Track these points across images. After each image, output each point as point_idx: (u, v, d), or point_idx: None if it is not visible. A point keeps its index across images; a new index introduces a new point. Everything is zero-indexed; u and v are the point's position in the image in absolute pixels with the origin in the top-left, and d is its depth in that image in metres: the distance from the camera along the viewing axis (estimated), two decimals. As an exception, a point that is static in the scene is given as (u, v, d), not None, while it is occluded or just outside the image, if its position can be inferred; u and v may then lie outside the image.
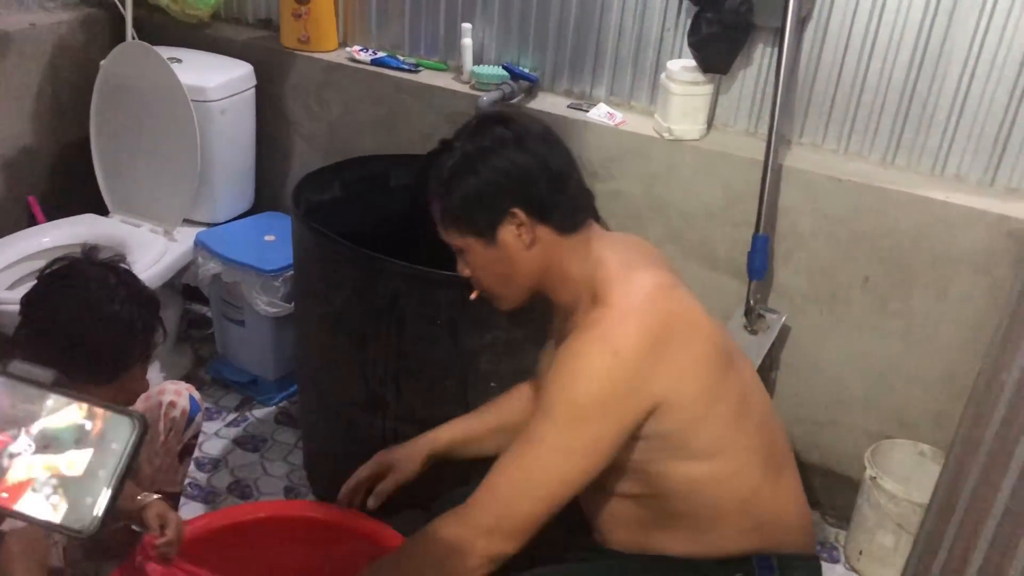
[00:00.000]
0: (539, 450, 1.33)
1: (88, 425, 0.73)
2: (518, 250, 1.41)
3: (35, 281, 1.65)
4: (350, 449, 2.20)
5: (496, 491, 1.35)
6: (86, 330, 1.56)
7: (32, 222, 2.65)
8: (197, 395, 1.95)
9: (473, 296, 1.53)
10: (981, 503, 1.13)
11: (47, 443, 0.72)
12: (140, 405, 1.86)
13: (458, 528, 1.36)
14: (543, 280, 1.45)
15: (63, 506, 0.71)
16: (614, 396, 1.31)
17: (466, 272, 1.49)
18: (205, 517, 1.95)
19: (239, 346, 2.63)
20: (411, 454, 1.70)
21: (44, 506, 0.71)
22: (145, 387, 1.71)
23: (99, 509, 0.70)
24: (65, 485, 0.71)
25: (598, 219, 1.51)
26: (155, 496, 1.74)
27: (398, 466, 1.70)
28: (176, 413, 1.89)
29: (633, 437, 1.35)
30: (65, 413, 0.73)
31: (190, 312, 2.90)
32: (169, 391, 1.90)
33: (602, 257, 1.43)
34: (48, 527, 0.70)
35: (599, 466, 1.33)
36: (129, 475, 0.72)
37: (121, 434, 0.72)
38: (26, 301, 1.61)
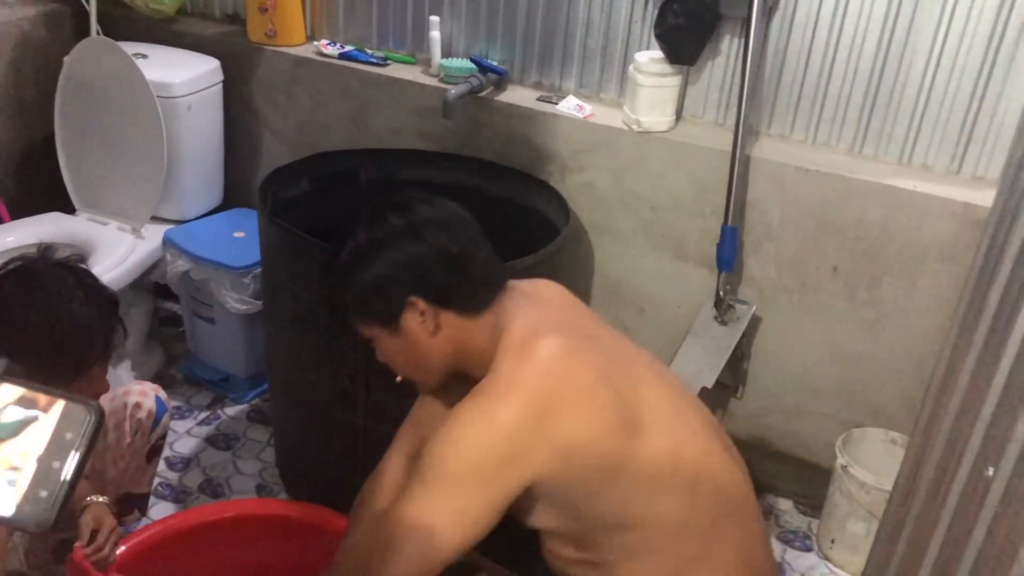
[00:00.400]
0: (411, 513, 1.28)
1: (42, 415, 0.70)
2: (424, 337, 1.41)
3: None
4: (322, 446, 2.19)
5: (367, 552, 1.33)
6: (43, 332, 1.54)
7: (-3, 221, 2.62)
8: (163, 395, 1.93)
9: (399, 379, 1.51)
10: (939, 489, 1.13)
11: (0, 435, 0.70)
12: (105, 406, 1.84)
13: None
14: (456, 360, 1.43)
15: (16, 500, 0.68)
16: (485, 466, 1.27)
17: (381, 359, 1.48)
18: (175, 517, 1.94)
19: (210, 344, 2.61)
20: None
21: None
22: (105, 388, 1.68)
23: (54, 502, 0.68)
24: (18, 477, 0.69)
25: (500, 285, 1.46)
26: (100, 499, 1.71)
27: None
28: (142, 414, 1.87)
29: (540, 503, 1.33)
30: (18, 403, 0.71)
31: (161, 310, 2.88)
32: (134, 392, 1.88)
33: (508, 326, 1.39)
34: (1, 522, 0.68)
35: (472, 534, 1.27)
36: (85, 467, 0.70)
37: (76, 424, 0.70)
38: None
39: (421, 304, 1.39)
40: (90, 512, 1.67)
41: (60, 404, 0.71)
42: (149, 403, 1.87)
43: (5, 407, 0.71)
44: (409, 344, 1.42)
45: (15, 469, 0.69)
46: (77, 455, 0.69)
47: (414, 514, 1.27)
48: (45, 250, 1.67)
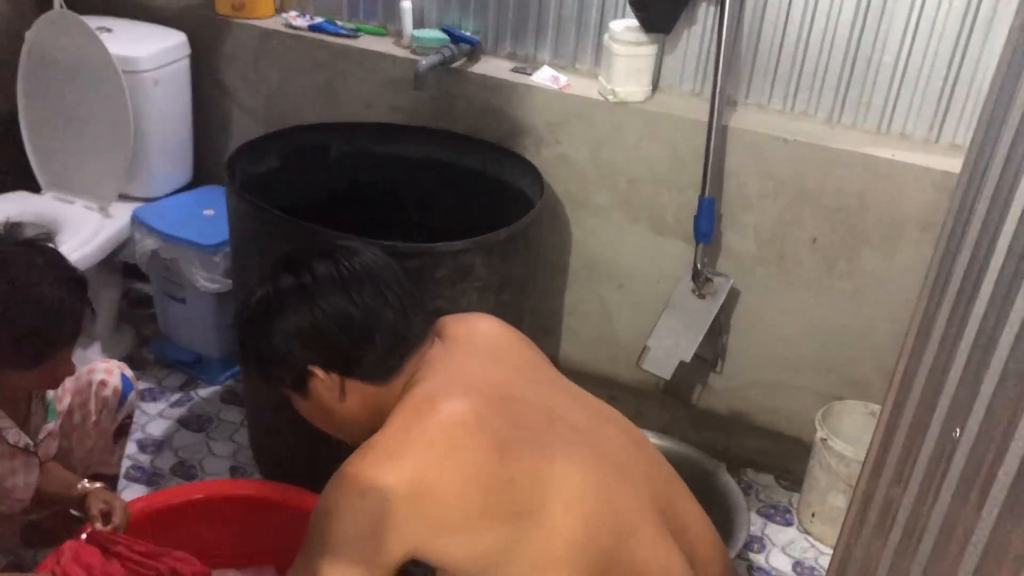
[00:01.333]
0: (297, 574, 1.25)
1: None
2: (333, 402, 1.34)
3: None
4: (296, 427, 2.15)
5: None
6: (12, 314, 1.50)
7: (-40, 201, 2.55)
8: (130, 373, 1.89)
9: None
10: (908, 455, 1.12)
11: None
12: (69, 384, 1.80)
13: None
14: (374, 420, 1.31)
15: None
16: (357, 537, 1.18)
17: (301, 414, 1.43)
18: (145, 498, 1.90)
19: (181, 324, 2.56)
20: None
21: None
22: (71, 371, 1.65)
23: None
24: None
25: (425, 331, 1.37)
26: (97, 484, 1.69)
27: None
28: (107, 392, 1.83)
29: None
30: None
31: (131, 291, 2.83)
32: (99, 370, 1.83)
33: (417, 383, 1.31)
34: None
35: None
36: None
37: None
38: None
39: (321, 373, 1.31)
40: (97, 496, 1.65)
41: None
42: (115, 381, 1.83)
43: None
44: (321, 407, 1.36)
45: None
46: None
47: None
48: (11, 228, 1.62)
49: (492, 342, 1.42)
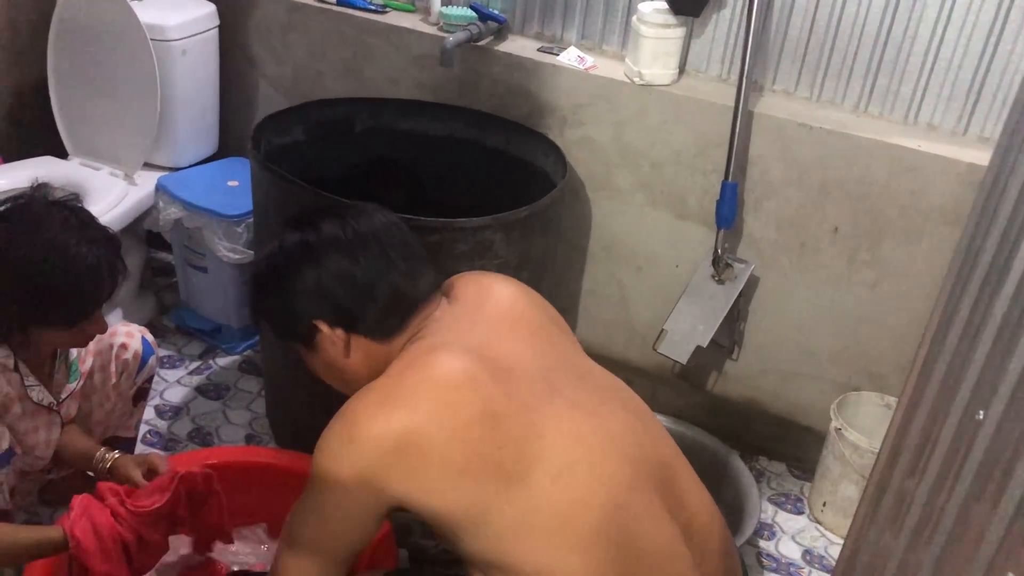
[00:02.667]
0: (296, 509, 1.35)
1: None
2: (338, 357, 1.39)
3: None
4: (312, 398, 2.17)
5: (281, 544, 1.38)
6: (51, 275, 1.51)
7: (-11, 164, 2.58)
8: (151, 338, 1.91)
9: None
10: (923, 449, 1.11)
11: None
12: (92, 346, 1.82)
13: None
14: (377, 376, 1.35)
15: None
16: (348, 480, 1.26)
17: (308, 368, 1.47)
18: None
19: (202, 293, 2.58)
20: None
21: None
22: (103, 329, 1.65)
23: None
24: None
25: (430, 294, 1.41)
26: (116, 453, 1.70)
27: None
28: (128, 355, 1.84)
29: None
30: None
31: (154, 259, 2.85)
32: (120, 333, 1.85)
33: (419, 339, 1.36)
34: None
35: (350, 537, 1.33)
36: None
37: None
38: None
39: (326, 328, 1.36)
40: (127, 463, 1.68)
41: None
42: (135, 344, 1.85)
43: None
44: (327, 362, 1.41)
45: None
46: None
47: (299, 512, 1.34)
48: (39, 188, 1.62)
49: (504, 307, 1.43)
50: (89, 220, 1.60)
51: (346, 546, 1.34)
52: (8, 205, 1.57)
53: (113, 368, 1.83)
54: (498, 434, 1.26)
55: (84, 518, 1.51)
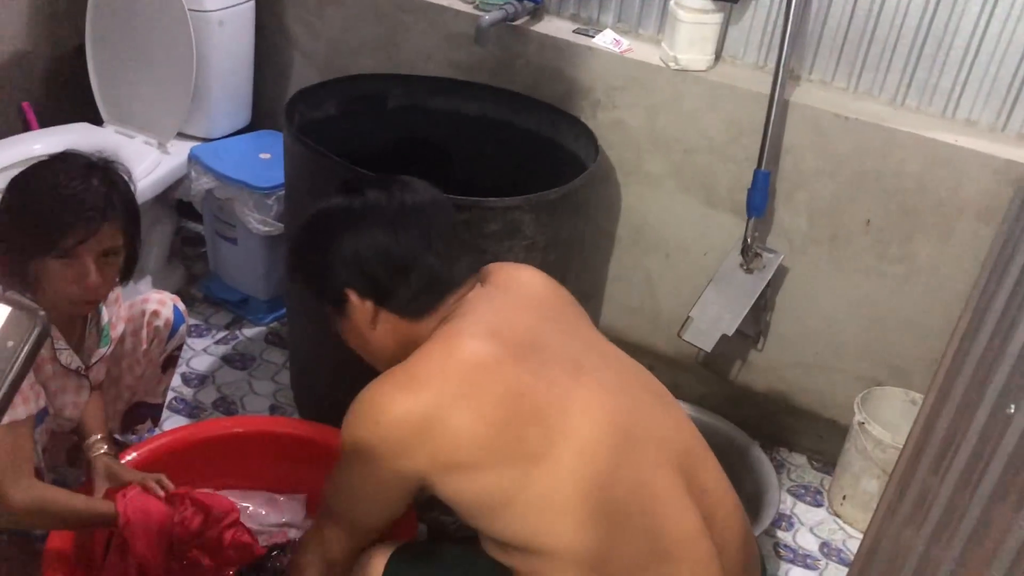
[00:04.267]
0: (329, 482, 1.40)
1: None
2: (364, 326, 1.39)
3: None
4: (337, 371, 2.19)
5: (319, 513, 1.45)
6: (35, 192, 1.52)
7: (25, 128, 2.61)
8: (182, 306, 1.92)
9: None
10: (948, 447, 1.11)
11: None
12: (124, 314, 1.84)
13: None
14: (402, 353, 1.37)
15: None
16: (374, 460, 1.28)
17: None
18: (185, 428, 1.96)
19: (231, 264, 2.61)
20: None
21: None
22: (88, 275, 1.54)
23: None
24: None
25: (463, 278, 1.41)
26: (104, 449, 1.73)
27: None
28: (159, 323, 1.86)
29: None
30: None
31: (184, 229, 2.88)
32: (153, 300, 1.87)
33: (448, 321, 1.36)
34: None
35: (379, 512, 1.38)
36: (25, 375, 0.68)
37: (20, 331, 0.68)
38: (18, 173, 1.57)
39: (355, 298, 1.36)
40: (115, 464, 1.70)
41: (5, 310, 0.68)
42: (167, 312, 1.87)
43: None
44: (352, 329, 1.41)
45: None
46: (18, 363, 0.67)
47: (332, 487, 1.40)
48: (101, 153, 1.63)
49: (531, 291, 1.45)
50: (114, 179, 1.58)
51: (376, 519, 1.38)
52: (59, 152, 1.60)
53: (144, 334, 1.85)
54: (523, 413, 1.26)
55: (139, 499, 1.55)
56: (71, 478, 1.98)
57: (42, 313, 0.69)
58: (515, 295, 1.43)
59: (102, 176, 1.56)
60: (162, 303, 1.87)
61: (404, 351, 1.36)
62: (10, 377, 0.68)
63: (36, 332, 0.69)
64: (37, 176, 1.55)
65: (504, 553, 1.32)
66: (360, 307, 1.37)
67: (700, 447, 1.43)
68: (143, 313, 1.85)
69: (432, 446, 1.25)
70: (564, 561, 1.27)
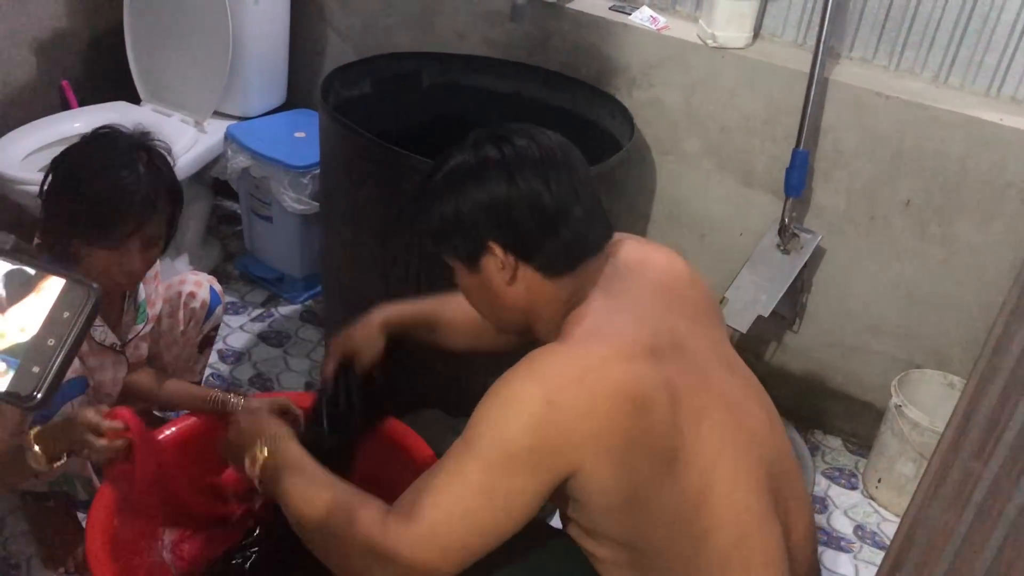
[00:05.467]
0: (462, 488, 1.16)
1: (43, 292, 0.70)
2: (499, 283, 1.29)
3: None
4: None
5: (419, 522, 1.16)
6: (84, 180, 1.53)
7: (65, 106, 2.64)
8: (218, 287, 1.94)
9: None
10: (992, 430, 1.09)
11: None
12: (160, 295, 1.86)
13: (380, 538, 1.17)
14: (529, 317, 1.31)
15: (9, 372, 0.68)
16: (542, 449, 1.15)
17: (459, 287, 1.38)
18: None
19: (267, 242, 2.63)
20: (367, 333, 1.64)
21: None
22: (137, 272, 1.62)
23: (46, 379, 0.68)
24: (13, 351, 0.68)
25: (605, 241, 1.32)
26: (239, 399, 1.76)
27: (360, 349, 1.63)
28: (196, 304, 1.88)
29: (569, 499, 1.23)
30: (20, 279, 0.70)
31: (220, 207, 2.90)
32: (190, 281, 1.89)
33: (584, 302, 1.26)
34: None
35: (518, 520, 1.18)
36: (80, 346, 0.69)
37: (75, 304, 0.69)
38: (62, 152, 1.59)
39: (499, 251, 1.26)
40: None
41: (60, 283, 0.70)
42: (203, 293, 1.88)
43: (9, 282, 0.70)
44: (484, 285, 1.31)
45: (12, 343, 0.69)
46: (73, 334, 0.69)
47: (468, 493, 1.17)
48: (141, 129, 1.63)
49: (666, 281, 1.35)
50: (159, 164, 1.59)
51: (497, 537, 1.18)
52: (100, 130, 1.61)
53: (181, 315, 1.87)
54: (670, 417, 1.20)
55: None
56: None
57: (95, 286, 0.71)
58: (651, 286, 1.33)
59: (147, 161, 1.57)
60: (199, 284, 1.89)
61: (531, 313, 1.30)
62: (67, 345, 0.69)
63: (90, 304, 0.70)
64: (83, 160, 1.56)
65: (591, 540, 1.27)
66: (501, 260, 1.26)
67: (794, 468, 1.40)
68: (180, 295, 1.87)
69: (595, 432, 1.16)
70: (658, 561, 1.23)
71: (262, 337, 2.50)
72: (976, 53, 1.98)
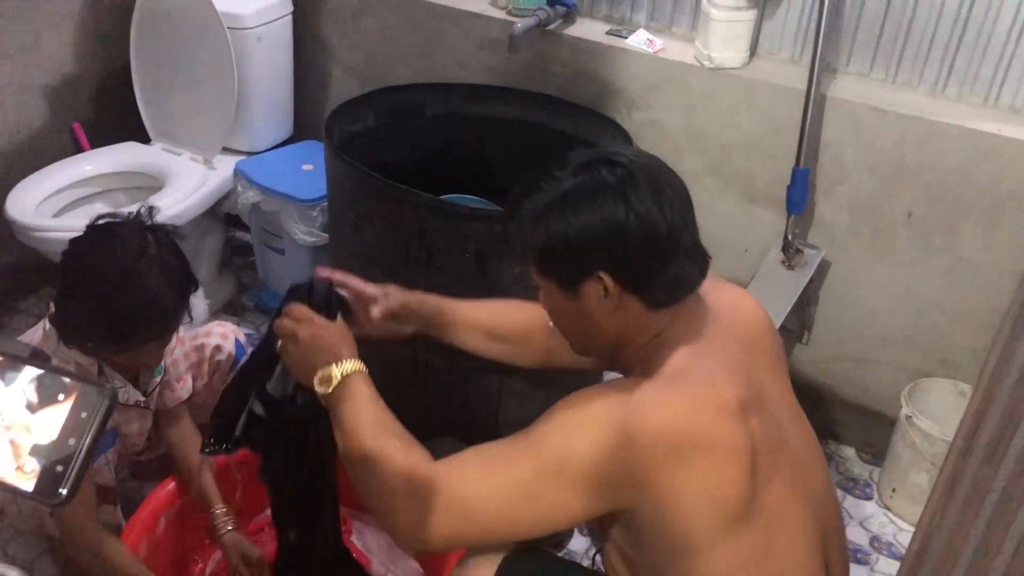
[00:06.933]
0: (511, 479, 1.17)
1: (61, 396, 0.74)
2: (599, 311, 1.22)
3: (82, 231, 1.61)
4: (382, 377, 2.23)
5: (459, 485, 1.18)
6: (111, 295, 1.53)
7: (77, 149, 2.69)
8: (243, 338, 1.97)
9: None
10: (1000, 437, 1.10)
11: (21, 411, 0.74)
12: (185, 345, 1.88)
13: (422, 471, 1.20)
14: (617, 343, 1.27)
15: (34, 474, 0.73)
16: (604, 479, 1.14)
17: (544, 306, 1.32)
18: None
19: (280, 274, 2.66)
20: (413, 295, 1.59)
21: (15, 473, 0.73)
22: (156, 361, 1.70)
23: (69, 477, 0.72)
24: (38, 451, 0.73)
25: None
26: (229, 528, 1.79)
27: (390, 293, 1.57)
28: (222, 356, 1.91)
29: (634, 529, 1.21)
30: (41, 383, 0.75)
31: (233, 239, 2.94)
32: (216, 334, 1.92)
33: (673, 340, 1.22)
34: (20, 494, 0.72)
35: (553, 529, 1.18)
36: (98, 443, 0.74)
37: (91, 405, 0.74)
38: (67, 249, 1.59)
39: (609, 282, 1.19)
40: (233, 547, 1.75)
41: (77, 385, 0.75)
42: (229, 346, 1.92)
43: (27, 387, 0.75)
44: (581, 312, 1.24)
45: (35, 446, 0.73)
46: (91, 433, 0.73)
47: (514, 487, 1.17)
48: (145, 211, 1.63)
49: (750, 330, 1.32)
50: (169, 255, 1.59)
51: (524, 535, 1.21)
52: (99, 220, 1.61)
53: (206, 368, 1.90)
54: (746, 475, 1.17)
55: None
56: (135, 490, 2.06)
57: (108, 386, 0.76)
58: (738, 333, 1.28)
59: (158, 255, 1.56)
60: (224, 337, 1.92)
61: (620, 341, 1.26)
62: (86, 444, 0.74)
63: (105, 404, 0.75)
64: (95, 264, 1.55)
65: (624, 564, 1.26)
66: (607, 289, 1.20)
67: (841, 529, 1.40)
68: (206, 346, 1.90)
69: (667, 470, 1.14)
70: None
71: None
72: (972, 63, 1.99)
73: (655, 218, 1.17)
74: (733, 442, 1.15)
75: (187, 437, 1.86)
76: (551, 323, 1.35)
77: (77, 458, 0.72)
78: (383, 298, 1.54)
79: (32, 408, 0.74)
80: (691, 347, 1.22)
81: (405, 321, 1.57)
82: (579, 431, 1.16)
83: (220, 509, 1.78)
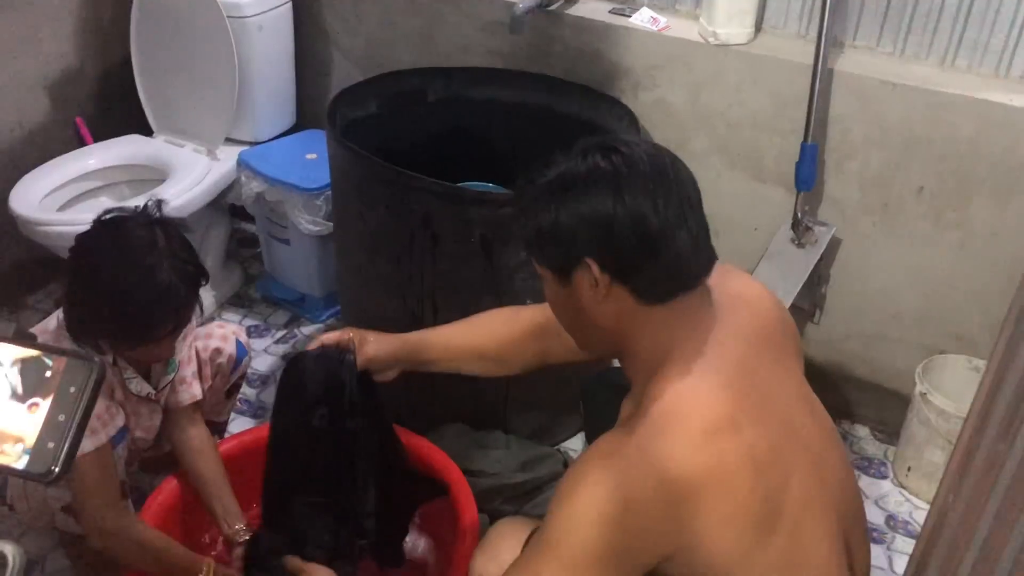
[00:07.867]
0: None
1: (48, 372, 0.74)
2: (589, 301, 1.22)
3: (90, 225, 1.60)
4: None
5: None
6: (123, 291, 1.52)
7: (80, 143, 2.68)
8: (244, 339, 1.95)
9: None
10: (1015, 411, 1.08)
11: (7, 391, 0.73)
12: (186, 349, 1.85)
13: None
14: (616, 342, 1.25)
15: (25, 453, 0.72)
16: (621, 549, 1.13)
17: (546, 297, 1.33)
18: (251, 432, 2.00)
19: (286, 264, 2.65)
20: (386, 342, 1.63)
21: (6, 453, 0.72)
22: (170, 354, 1.69)
23: (60, 453, 0.71)
24: (26, 431, 0.72)
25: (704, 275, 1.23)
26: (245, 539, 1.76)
27: (371, 342, 1.63)
28: (222, 359, 1.89)
29: None
30: (26, 363, 0.74)
31: (238, 230, 2.93)
32: (216, 336, 1.89)
33: (675, 352, 1.20)
34: (11, 474, 0.71)
35: None
36: (89, 418, 0.73)
37: (79, 379, 0.73)
38: (76, 246, 1.58)
39: (595, 269, 1.18)
40: None
41: (63, 360, 0.74)
42: (230, 348, 1.89)
43: (13, 366, 0.75)
44: (573, 300, 1.24)
45: (23, 423, 0.73)
46: (81, 407, 0.73)
47: None
48: (153, 205, 1.62)
49: (760, 321, 1.29)
50: (178, 248, 1.58)
51: None
52: (105, 216, 1.59)
53: (208, 371, 1.88)
54: (758, 483, 1.16)
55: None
56: (145, 482, 2.05)
57: (96, 359, 0.74)
58: (743, 322, 1.26)
59: (167, 248, 1.55)
60: (224, 339, 1.89)
61: (618, 334, 1.24)
62: (76, 419, 0.73)
63: (94, 377, 0.74)
64: (104, 261, 1.54)
65: None
66: (595, 279, 1.20)
67: (862, 517, 1.38)
68: (206, 349, 1.88)
69: (685, 519, 1.13)
70: None
71: (286, 359, 2.53)
72: (982, 34, 1.96)
73: (645, 211, 1.15)
74: (730, 469, 1.14)
75: (205, 448, 1.84)
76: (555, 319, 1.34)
77: (68, 434, 0.71)
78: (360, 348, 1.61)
79: (19, 386, 0.73)
80: (683, 368, 1.19)
81: (384, 368, 1.63)
82: (579, 517, 1.14)
83: (240, 526, 1.76)
